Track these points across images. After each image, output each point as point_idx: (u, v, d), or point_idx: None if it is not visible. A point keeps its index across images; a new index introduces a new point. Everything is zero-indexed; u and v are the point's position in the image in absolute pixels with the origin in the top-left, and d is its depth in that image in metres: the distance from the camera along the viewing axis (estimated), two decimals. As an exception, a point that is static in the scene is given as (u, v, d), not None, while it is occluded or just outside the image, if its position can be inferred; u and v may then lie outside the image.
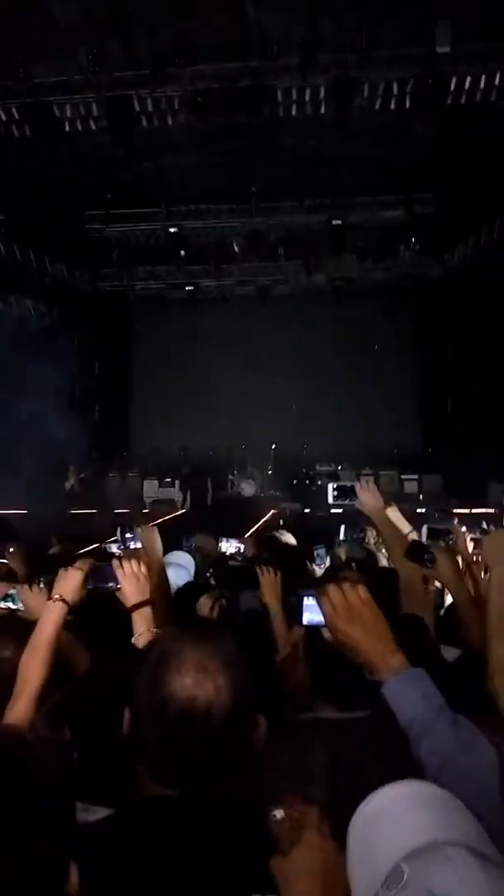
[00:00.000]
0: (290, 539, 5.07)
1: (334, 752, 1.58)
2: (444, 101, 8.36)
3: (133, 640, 2.07)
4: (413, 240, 13.77)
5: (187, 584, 3.45)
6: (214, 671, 1.17)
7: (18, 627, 2.15)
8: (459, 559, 2.78)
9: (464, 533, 3.40)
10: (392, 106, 8.61)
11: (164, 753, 1.17)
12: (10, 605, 2.50)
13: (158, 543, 3.02)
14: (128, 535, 4.75)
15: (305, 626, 1.74)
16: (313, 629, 1.69)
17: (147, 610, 2.11)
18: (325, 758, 1.57)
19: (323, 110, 8.81)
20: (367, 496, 3.13)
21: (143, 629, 2.08)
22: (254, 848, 1.04)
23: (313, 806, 1.06)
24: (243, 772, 1.23)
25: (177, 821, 1.10)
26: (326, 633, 1.50)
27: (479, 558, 3.12)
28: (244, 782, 1.23)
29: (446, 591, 2.94)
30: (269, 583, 2.94)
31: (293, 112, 8.90)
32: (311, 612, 1.71)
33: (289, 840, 1.03)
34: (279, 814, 1.05)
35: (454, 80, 8.18)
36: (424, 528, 3.46)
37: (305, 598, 1.75)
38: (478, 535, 4.19)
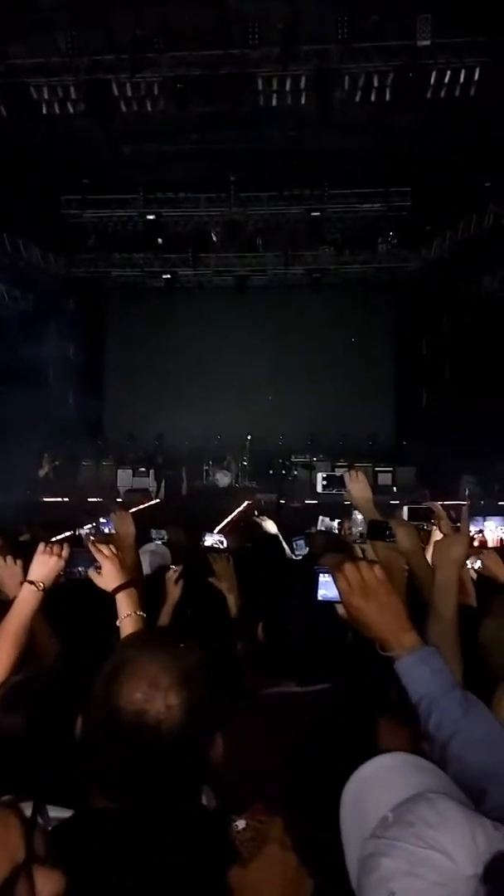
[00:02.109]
0: (270, 526, 5.09)
1: (297, 723, 1.62)
2: (424, 95, 8.39)
3: (118, 622, 2.02)
4: (391, 233, 13.85)
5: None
6: (167, 687, 1.13)
7: None
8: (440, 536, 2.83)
9: (442, 510, 3.42)
10: (372, 98, 8.62)
11: (110, 767, 1.14)
12: None
13: (132, 528, 3.02)
14: (101, 521, 4.72)
15: (320, 601, 1.77)
16: (327, 605, 1.73)
17: (132, 591, 2.08)
18: (289, 729, 1.61)
19: (304, 101, 8.80)
20: (356, 486, 3.15)
21: (128, 611, 2.03)
22: (212, 858, 1.02)
23: (276, 818, 1.05)
24: (192, 790, 1.20)
25: (122, 834, 1.07)
26: (341, 610, 1.51)
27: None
28: (193, 800, 1.21)
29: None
30: (222, 570, 3.01)
31: (274, 102, 8.87)
32: (326, 589, 1.72)
33: (249, 851, 1.01)
34: (241, 824, 1.03)
35: (434, 74, 8.22)
36: (405, 509, 3.49)
37: (321, 575, 1.76)
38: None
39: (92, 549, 2.16)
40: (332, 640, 1.90)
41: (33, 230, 12.99)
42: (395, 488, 13.04)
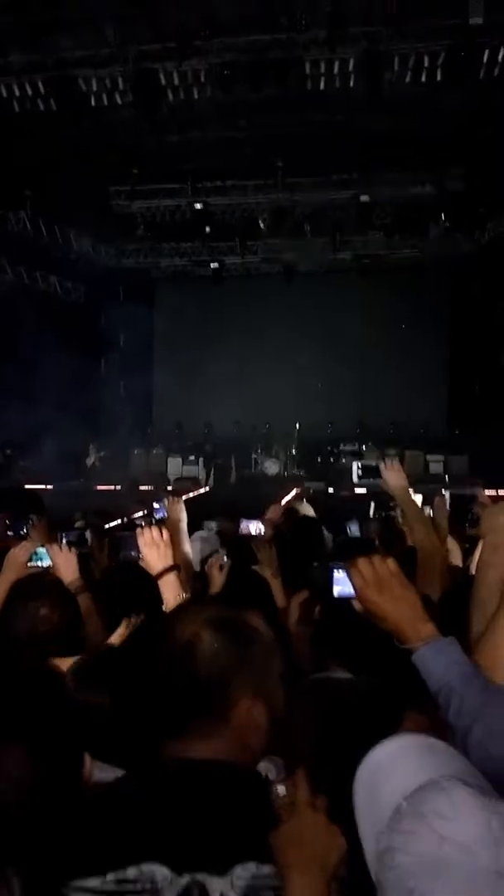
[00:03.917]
0: (308, 510, 5.07)
1: (340, 708, 1.67)
2: (477, 74, 8.14)
3: (164, 608, 2.08)
4: (443, 216, 13.52)
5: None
6: (213, 627, 1.25)
7: (53, 586, 2.31)
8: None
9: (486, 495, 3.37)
10: (423, 79, 8.41)
11: (168, 702, 1.24)
12: (40, 563, 2.62)
13: (184, 514, 3.16)
14: (155, 506, 4.82)
15: (336, 597, 1.80)
16: (343, 600, 1.76)
17: (172, 577, 2.12)
18: (332, 713, 1.66)
19: (352, 83, 8.64)
20: (392, 475, 3.14)
21: (171, 597, 2.08)
22: (255, 818, 1.09)
23: (307, 781, 1.11)
24: (242, 731, 1.27)
25: (180, 786, 1.15)
26: (357, 605, 1.54)
27: None
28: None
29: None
30: (266, 557, 3.05)
31: (322, 86, 8.73)
32: (341, 584, 1.76)
33: (287, 812, 1.08)
34: (281, 789, 1.11)
35: (486, 53, 7.96)
36: (447, 493, 3.44)
37: (335, 571, 1.82)
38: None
39: (137, 533, 2.22)
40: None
41: (84, 221, 13.16)
42: (447, 477, 12.82)
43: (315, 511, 5.08)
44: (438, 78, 8.33)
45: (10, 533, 3.69)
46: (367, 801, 0.99)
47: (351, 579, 1.52)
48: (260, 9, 7.95)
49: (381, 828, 0.91)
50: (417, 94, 8.81)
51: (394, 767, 1.00)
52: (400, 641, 1.43)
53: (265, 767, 1.34)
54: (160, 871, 1.05)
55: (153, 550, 2.15)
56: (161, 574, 2.13)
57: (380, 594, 1.46)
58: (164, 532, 2.20)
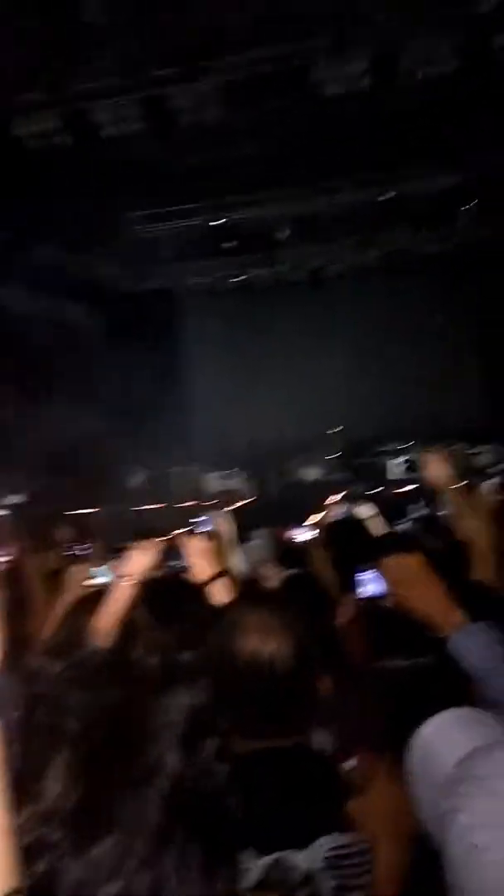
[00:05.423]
0: (365, 511, 5.03)
1: (400, 694, 1.74)
2: (492, 60, 8.06)
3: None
4: (469, 204, 13.35)
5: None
6: (275, 630, 1.31)
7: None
8: None
9: None
10: (435, 70, 8.35)
11: (239, 707, 1.28)
12: (100, 580, 2.67)
13: (231, 526, 3.24)
14: (199, 520, 4.88)
15: (362, 598, 1.94)
16: (373, 599, 1.87)
17: (224, 581, 2.14)
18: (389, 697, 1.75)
19: (363, 84, 8.63)
20: (434, 468, 3.14)
21: (222, 599, 2.09)
22: (329, 792, 1.19)
23: (383, 757, 1.21)
24: (309, 722, 1.38)
25: (257, 770, 1.21)
26: (390, 601, 1.65)
27: None
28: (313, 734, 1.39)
29: None
30: (319, 558, 3.16)
31: (333, 90, 8.74)
32: (366, 586, 1.91)
33: (361, 786, 1.19)
34: (352, 763, 1.24)
35: (499, 39, 7.87)
36: (492, 482, 3.40)
37: (360, 575, 1.97)
38: None
39: (178, 541, 2.24)
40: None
41: (105, 249, 13.37)
42: (492, 467, 12.59)
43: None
44: (451, 68, 8.28)
45: (74, 553, 3.84)
46: (422, 771, 1.06)
47: (381, 577, 1.63)
48: (265, 20, 8.00)
49: (437, 795, 0.98)
50: (431, 86, 8.74)
51: (444, 739, 1.07)
52: (433, 631, 1.52)
53: (320, 741, 1.44)
54: (244, 854, 1.08)
55: (200, 558, 2.17)
56: (209, 580, 2.15)
57: (409, 589, 1.56)
58: (212, 540, 2.22)
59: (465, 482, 3.31)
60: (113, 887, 0.53)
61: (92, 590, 2.63)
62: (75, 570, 2.70)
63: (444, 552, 3.51)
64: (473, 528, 2.86)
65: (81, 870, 0.52)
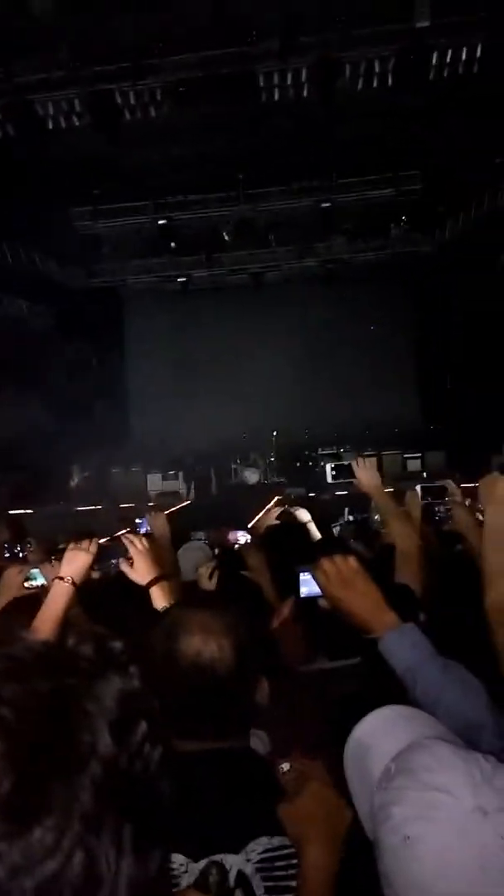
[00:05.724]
0: (304, 516, 5.11)
1: (330, 694, 1.79)
2: (427, 76, 8.30)
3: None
4: (403, 218, 13.72)
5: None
6: (217, 632, 1.31)
7: (37, 607, 2.25)
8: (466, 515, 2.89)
9: (455, 485, 3.43)
10: (375, 84, 8.55)
11: (179, 708, 1.27)
12: (35, 582, 2.62)
13: (167, 529, 3.17)
14: (137, 521, 4.86)
15: (303, 597, 1.92)
16: (310, 599, 1.83)
17: (166, 584, 2.13)
18: (323, 699, 1.78)
19: (306, 93, 8.76)
20: (365, 474, 3.19)
21: (164, 604, 2.08)
22: (263, 795, 1.17)
23: (318, 760, 1.19)
24: (248, 725, 1.38)
25: (194, 772, 1.21)
26: (323, 602, 1.65)
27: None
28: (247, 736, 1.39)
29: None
30: (256, 562, 3.13)
31: (276, 97, 8.84)
32: (308, 586, 1.89)
33: (294, 789, 1.16)
34: (286, 766, 1.19)
35: (435, 55, 8.12)
36: (418, 488, 3.51)
37: (301, 574, 1.95)
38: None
39: (125, 540, 2.22)
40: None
41: (49, 244, 13.14)
42: (425, 474, 12.94)
43: (312, 516, 5.13)
44: (390, 82, 8.49)
45: (6, 555, 3.73)
46: (358, 766, 1.10)
47: (316, 579, 1.62)
48: (212, 23, 8.04)
49: (373, 789, 1.02)
50: (371, 98, 8.94)
51: (379, 735, 1.11)
52: (366, 632, 1.53)
53: (254, 743, 1.45)
54: (176, 859, 1.09)
55: (144, 559, 2.17)
56: (151, 583, 2.14)
57: (343, 590, 1.56)
58: (147, 542, 2.22)
59: (395, 487, 3.39)
60: (49, 866, 0.55)
61: (29, 591, 2.62)
62: (13, 571, 2.64)
63: (372, 556, 3.61)
64: (400, 532, 2.94)
65: (18, 854, 0.54)
